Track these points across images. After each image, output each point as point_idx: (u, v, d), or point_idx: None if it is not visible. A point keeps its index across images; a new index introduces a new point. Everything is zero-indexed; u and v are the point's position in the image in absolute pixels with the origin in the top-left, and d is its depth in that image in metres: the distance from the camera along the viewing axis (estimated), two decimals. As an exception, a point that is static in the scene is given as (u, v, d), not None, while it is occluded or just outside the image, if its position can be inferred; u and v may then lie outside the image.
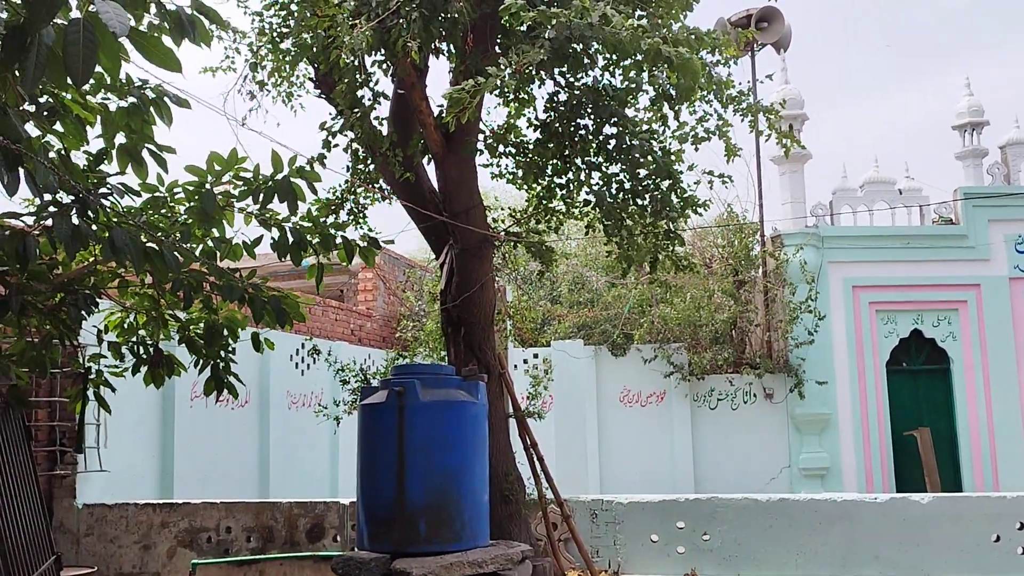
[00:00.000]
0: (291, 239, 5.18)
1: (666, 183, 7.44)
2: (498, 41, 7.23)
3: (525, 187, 8.17)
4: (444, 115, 6.51)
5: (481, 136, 7.85)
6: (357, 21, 6.27)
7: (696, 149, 7.18)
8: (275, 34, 7.83)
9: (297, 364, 13.31)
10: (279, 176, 5.08)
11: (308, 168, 5.16)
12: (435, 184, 7.89)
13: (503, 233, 8.39)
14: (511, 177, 8.11)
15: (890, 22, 47.44)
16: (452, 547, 5.94)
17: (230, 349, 5.88)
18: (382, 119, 7.91)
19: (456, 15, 6.46)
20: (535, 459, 8.34)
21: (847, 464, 13.97)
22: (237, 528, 9.17)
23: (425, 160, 7.93)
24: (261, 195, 5.10)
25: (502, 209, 9.97)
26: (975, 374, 14.26)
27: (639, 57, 5.99)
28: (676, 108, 7.08)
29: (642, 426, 14.21)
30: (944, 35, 44.88)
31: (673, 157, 7.47)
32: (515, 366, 14.13)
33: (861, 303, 14.37)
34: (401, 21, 6.37)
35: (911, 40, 46.92)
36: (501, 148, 7.89)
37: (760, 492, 9.92)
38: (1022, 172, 14.76)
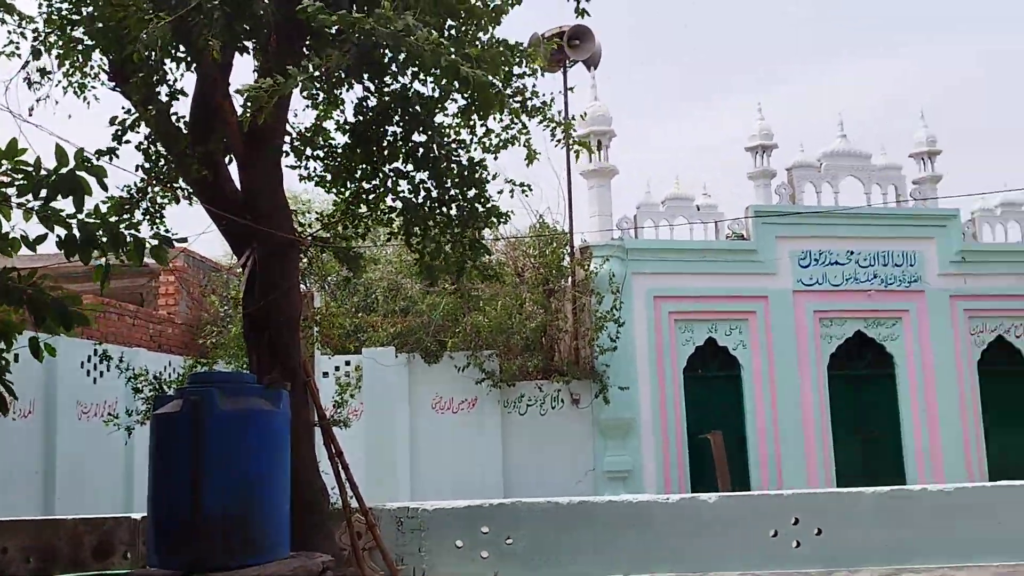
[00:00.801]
0: (79, 237, 4.88)
1: (472, 193, 7.58)
2: (307, 43, 7.12)
3: (333, 191, 8.08)
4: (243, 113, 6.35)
5: (288, 138, 7.69)
6: (152, 15, 5.99)
7: (495, 158, 7.38)
8: (65, 21, 7.34)
9: (89, 371, 12.49)
10: (63, 170, 4.77)
11: (96, 162, 4.87)
12: (238, 185, 7.65)
13: (309, 237, 8.25)
14: (319, 180, 8.00)
15: (698, 45, 50.52)
16: (250, 561, 5.80)
17: (2, 354, 5.45)
18: (181, 116, 7.58)
19: (260, 13, 6.31)
20: (340, 468, 8.24)
21: (647, 466, 14.65)
22: (14, 548, 8.53)
23: (228, 160, 7.68)
24: (43, 190, 4.77)
25: (308, 213, 9.80)
26: (762, 380, 15.36)
27: (439, 71, 6.08)
28: (483, 117, 7.25)
29: (454, 433, 14.32)
30: (742, 61, 48.32)
31: (479, 168, 7.61)
32: (325, 374, 13.90)
33: (662, 312, 15.15)
34: (202, 17, 6.15)
35: (716, 63, 50.16)
36: (308, 151, 7.76)
37: (567, 495, 10.24)
38: (806, 193, 16.07)
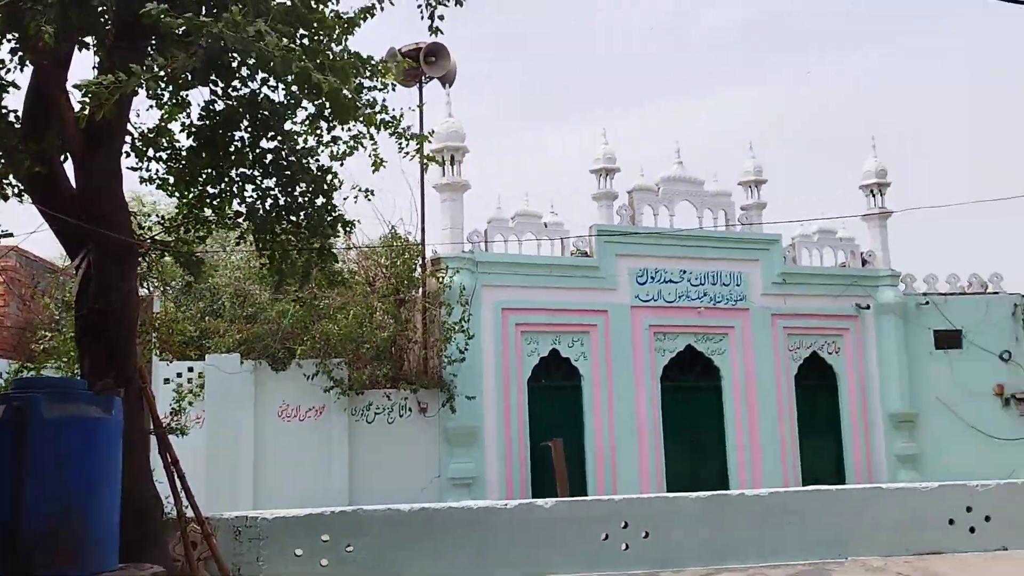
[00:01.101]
0: None
1: (320, 201, 7.66)
2: (152, 42, 7.01)
3: (176, 194, 7.95)
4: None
5: (129, 138, 7.52)
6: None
7: (341, 164, 7.50)
8: None
9: (-100, 376, 11.62)
10: None
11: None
12: (75, 184, 7.41)
13: (149, 240, 8.08)
14: (160, 183, 7.85)
15: (558, 69, 51.93)
16: (75, 573, 5.70)
17: None
18: (13, 110, 7.28)
19: (100, 6, 6.18)
20: (176, 477, 8.10)
21: (491, 473, 14.98)
22: None
23: (63, 158, 7.42)
24: None
25: (149, 215, 9.56)
26: (601, 390, 16.02)
27: (291, 78, 6.16)
28: (332, 127, 7.36)
29: (300, 441, 14.18)
30: (598, 88, 50.19)
31: (328, 175, 7.70)
32: (166, 380, 13.47)
33: (509, 324, 15.57)
34: (35, 4, 5.96)
35: (573, 89, 51.72)
36: (151, 152, 7.61)
37: (412, 502, 10.38)
38: (644, 214, 16.91)
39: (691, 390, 16.78)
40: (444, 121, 15.59)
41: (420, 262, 15.40)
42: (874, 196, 18.38)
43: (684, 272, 16.71)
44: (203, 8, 6.59)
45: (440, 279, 14.96)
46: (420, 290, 15.33)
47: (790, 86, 47.94)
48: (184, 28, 5.87)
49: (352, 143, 7.86)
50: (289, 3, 6.96)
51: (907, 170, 31.64)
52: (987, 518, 10.53)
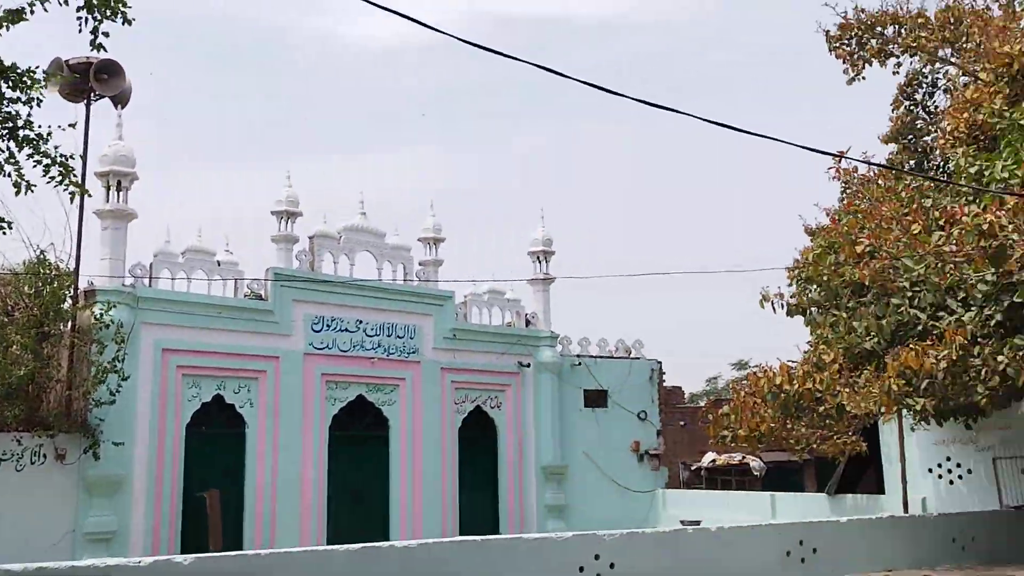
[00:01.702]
0: None
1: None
2: None
3: None
4: None
5: None
6: None
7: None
8: None
9: None
10: None
11: None
12: None
13: None
14: None
15: (250, 108, 50.73)
16: None
17: None
18: None
19: None
20: None
21: (136, 527, 13.90)
22: None
23: None
24: None
25: None
26: (267, 439, 15.54)
27: None
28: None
29: (-102, 491, 12.24)
30: (280, 132, 49.84)
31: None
32: None
33: (169, 366, 14.66)
34: None
35: (260, 131, 50.84)
36: None
37: (40, 560, 9.25)
38: (324, 261, 16.84)
39: (360, 440, 16.85)
40: (112, 143, 14.55)
41: (71, 293, 14.06)
42: (540, 262, 19.85)
43: (360, 322, 16.85)
44: None
45: (94, 313, 13.76)
46: (69, 324, 13.98)
47: (476, 153, 50.82)
48: None
49: None
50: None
51: (571, 241, 34.66)
52: (612, 565, 11.49)
